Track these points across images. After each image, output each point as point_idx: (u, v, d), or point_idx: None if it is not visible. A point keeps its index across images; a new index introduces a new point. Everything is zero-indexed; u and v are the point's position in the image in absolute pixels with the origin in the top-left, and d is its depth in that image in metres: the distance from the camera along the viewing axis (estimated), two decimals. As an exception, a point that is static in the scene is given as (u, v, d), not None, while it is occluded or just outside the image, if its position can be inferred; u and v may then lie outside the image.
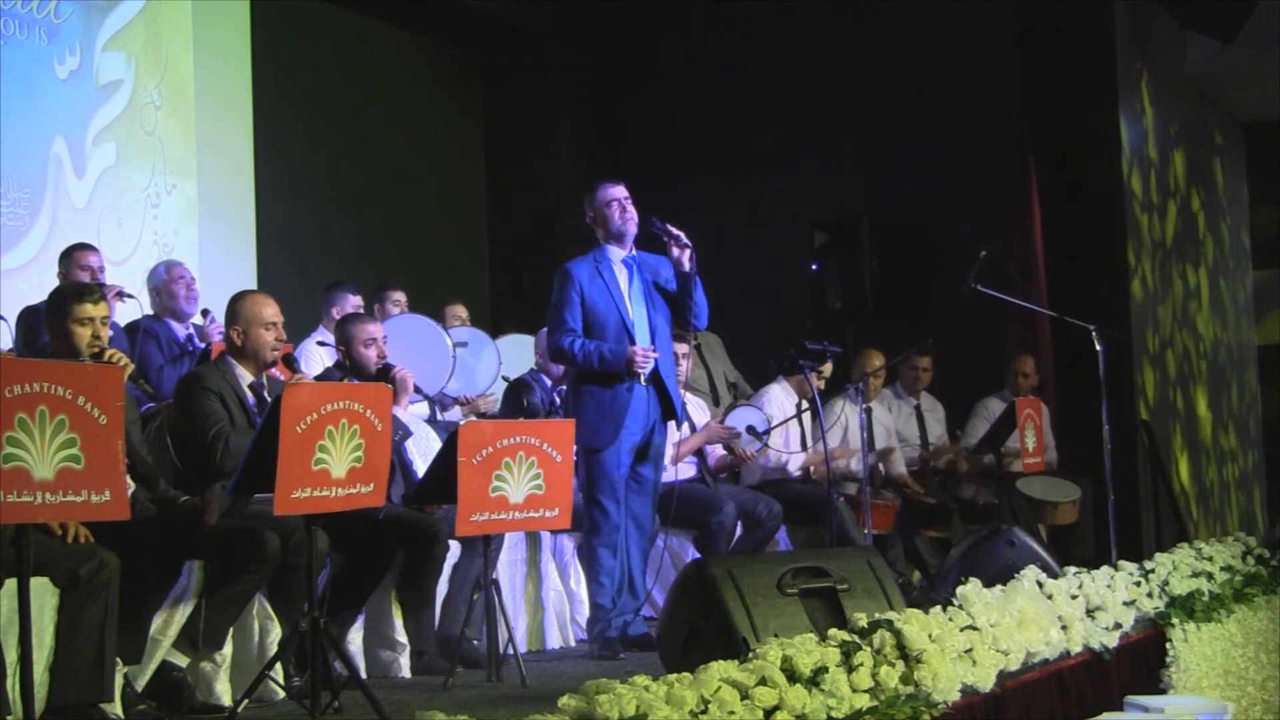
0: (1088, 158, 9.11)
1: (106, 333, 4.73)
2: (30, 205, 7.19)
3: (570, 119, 10.32)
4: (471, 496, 4.95)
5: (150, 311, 6.54)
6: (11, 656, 3.91)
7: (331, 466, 4.28)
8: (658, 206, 6.11)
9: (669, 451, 6.23)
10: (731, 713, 3.60)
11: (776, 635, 4.20)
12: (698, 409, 7.24)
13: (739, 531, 6.81)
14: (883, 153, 9.47)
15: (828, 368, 7.33)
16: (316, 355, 6.76)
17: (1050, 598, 5.24)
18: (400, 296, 7.40)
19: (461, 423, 5.41)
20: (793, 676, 3.84)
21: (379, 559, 5.27)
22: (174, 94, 7.94)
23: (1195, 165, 10.53)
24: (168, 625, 4.59)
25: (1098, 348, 6.95)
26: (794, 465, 7.41)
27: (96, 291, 4.80)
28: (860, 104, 9.56)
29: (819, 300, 9.33)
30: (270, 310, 5.13)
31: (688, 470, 6.88)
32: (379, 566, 5.27)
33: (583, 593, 6.27)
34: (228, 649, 4.71)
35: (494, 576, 5.25)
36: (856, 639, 4.17)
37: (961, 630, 4.50)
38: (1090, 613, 5.44)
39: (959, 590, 4.82)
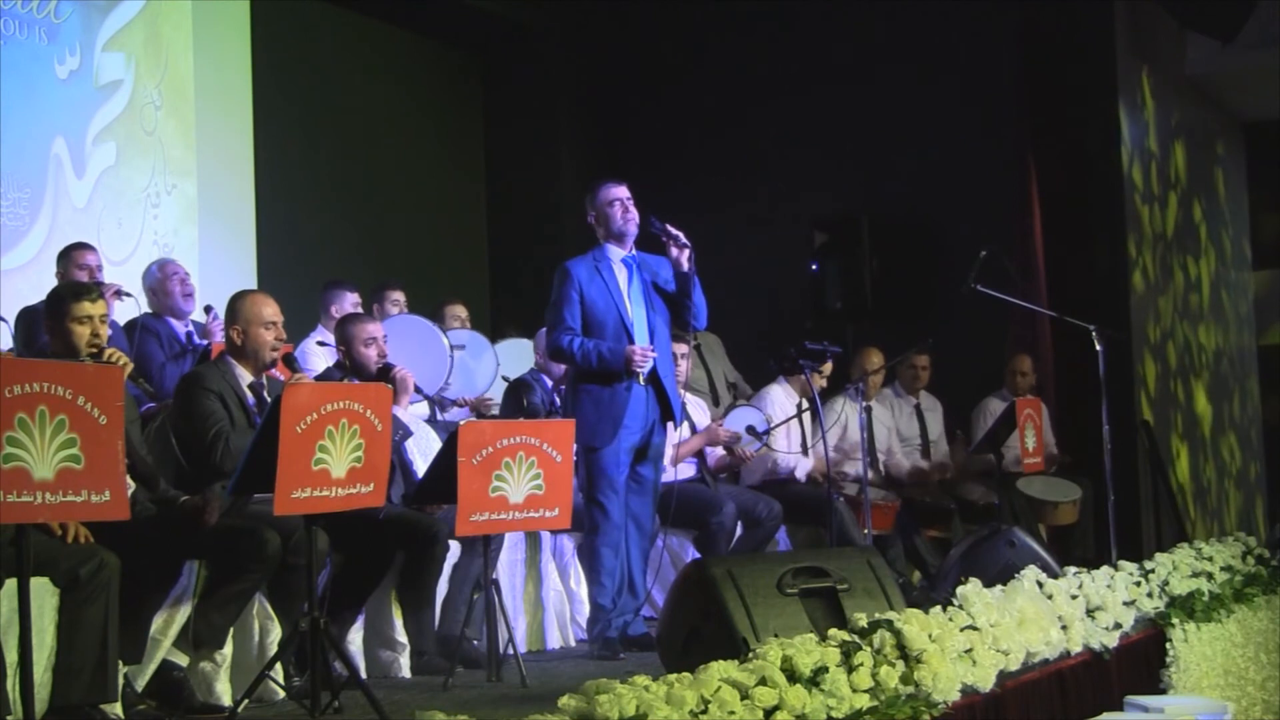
0: (1088, 152, 9.11)
1: (105, 331, 4.73)
2: (30, 205, 7.19)
3: (570, 119, 10.32)
4: (471, 496, 4.95)
5: (149, 310, 6.54)
6: (12, 656, 3.91)
7: (331, 466, 4.28)
8: (658, 206, 6.11)
9: (668, 452, 6.23)
10: (731, 713, 3.60)
11: (776, 635, 4.20)
12: (698, 409, 7.24)
13: (739, 531, 6.81)
14: (883, 153, 9.47)
15: (828, 368, 7.33)
16: (316, 355, 6.76)
17: (1050, 598, 5.24)
18: (399, 296, 7.40)
19: (461, 422, 5.41)
20: (793, 676, 3.84)
21: (379, 559, 5.27)
22: (174, 94, 7.94)
23: (1195, 162, 10.52)
24: (168, 625, 4.59)
25: (1098, 348, 6.95)
26: (801, 471, 7.40)
27: (95, 290, 4.79)
28: (860, 104, 9.56)
29: (819, 300, 9.33)
30: (270, 310, 5.13)
31: (688, 470, 6.88)
32: (379, 566, 5.27)
33: (583, 593, 6.27)
34: (228, 649, 4.71)
35: (494, 576, 5.25)
36: (856, 639, 4.17)
37: (961, 630, 4.51)
38: (1090, 613, 5.44)
39: (959, 590, 4.82)
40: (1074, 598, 5.39)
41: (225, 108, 8.24)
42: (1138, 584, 6.00)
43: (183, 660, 4.61)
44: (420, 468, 5.82)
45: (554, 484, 5.19)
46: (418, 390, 6.28)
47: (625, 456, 5.79)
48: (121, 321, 6.32)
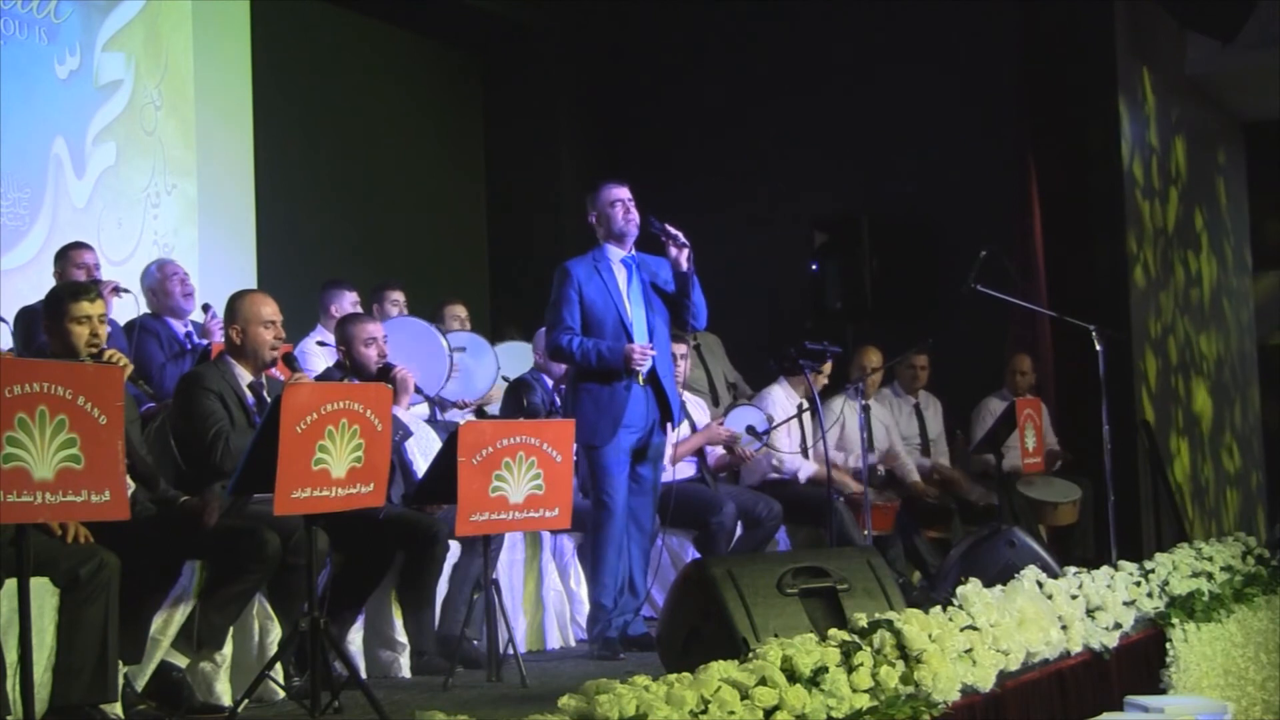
0: (1088, 149, 9.11)
1: (104, 330, 4.72)
2: (30, 205, 7.19)
3: (570, 119, 10.32)
4: (471, 496, 4.95)
5: (148, 310, 6.53)
6: (12, 656, 3.91)
7: (331, 466, 4.28)
8: (658, 206, 6.11)
9: (668, 452, 6.23)
10: (731, 713, 3.60)
11: (776, 635, 4.20)
12: (697, 409, 7.24)
13: (739, 531, 6.81)
14: (883, 153, 9.47)
15: (828, 368, 7.33)
16: (316, 355, 6.76)
17: (1050, 598, 5.24)
18: (399, 296, 7.40)
19: (461, 422, 5.41)
20: (793, 676, 3.84)
21: (379, 559, 5.26)
22: (174, 94, 7.94)
23: (1196, 160, 10.52)
24: (168, 625, 4.59)
25: (1098, 347, 6.95)
26: (804, 474, 7.40)
27: (93, 290, 4.79)
28: (860, 104, 9.56)
29: (819, 300, 9.33)
30: (269, 308, 5.13)
31: (687, 470, 6.89)
32: (379, 566, 5.27)
33: (583, 593, 6.27)
34: (228, 649, 4.71)
35: (494, 576, 5.25)
36: (856, 639, 4.17)
37: (961, 630, 4.51)
38: (1090, 613, 5.44)
39: (959, 590, 4.82)
40: (1074, 598, 5.39)
41: (225, 108, 8.24)
42: (1138, 584, 6.00)
43: (183, 660, 4.61)
44: (420, 468, 5.82)
45: (554, 484, 5.19)
46: (418, 390, 6.28)
47: (625, 455, 5.79)
48: (120, 319, 6.32)
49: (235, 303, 5.17)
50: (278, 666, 4.56)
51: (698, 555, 6.55)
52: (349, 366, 5.77)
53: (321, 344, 6.83)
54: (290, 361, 5.31)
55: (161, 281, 6.58)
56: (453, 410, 7.05)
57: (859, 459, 7.19)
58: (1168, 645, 5.89)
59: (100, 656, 4.08)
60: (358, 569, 5.19)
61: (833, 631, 4.25)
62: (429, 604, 5.46)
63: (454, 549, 5.64)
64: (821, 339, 7.27)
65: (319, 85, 9.15)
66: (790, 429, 7.40)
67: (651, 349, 5.78)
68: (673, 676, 3.73)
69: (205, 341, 6.33)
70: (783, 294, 9.54)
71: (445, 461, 5.12)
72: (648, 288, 5.89)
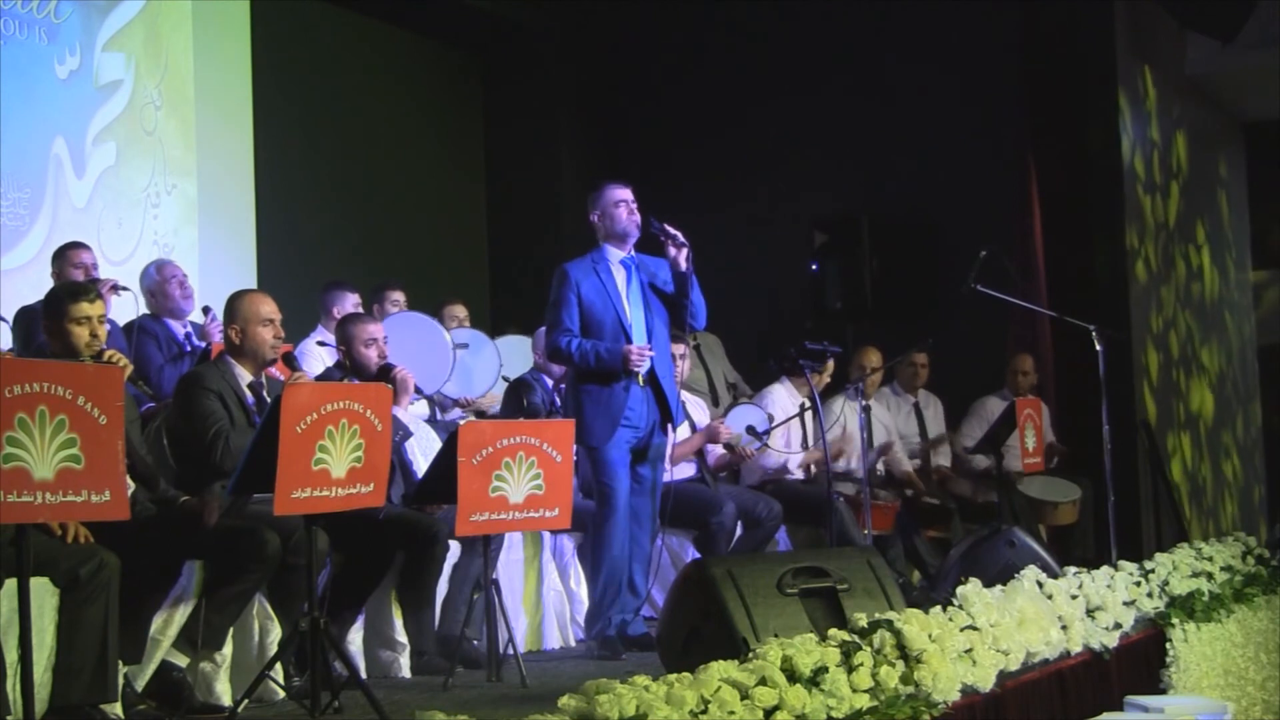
0: (1088, 147, 9.11)
1: (104, 330, 4.72)
2: (30, 205, 7.19)
3: (570, 119, 10.32)
4: (471, 496, 4.95)
5: (146, 312, 6.53)
6: (11, 656, 3.91)
7: (331, 466, 4.28)
8: (658, 206, 6.11)
9: (668, 452, 6.23)
10: (731, 713, 3.60)
11: (776, 635, 4.20)
12: (697, 409, 7.24)
13: (739, 531, 6.81)
14: (883, 153, 9.47)
15: (830, 367, 7.33)
16: (316, 355, 6.76)
17: (1050, 598, 5.24)
18: (399, 296, 7.40)
19: (461, 422, 5.40)
20: (793, 676, 3.84)
21: (379, 559, 5.26)
22: (174, 94, 7.94)
23: (1196, 159, 10.53)
24: (168, 625, 4.59)
25: (1098, 347, 6.95)
26: (794, 464, 7.40)
27: (92, 290, 4.78)
28: (860, 104, 9.56)
29: (819, 300, 9.33)
30: (268, 307, 5.13)
31: (687, 470, 6.89)
32: (379, 566, 5.27)
33: (583, 593, 6.27)
34: (228, 649, 4.71)
35: (494, 576, 5.25)
36: (856, 639, 4.17)
37: (961, 630, 4.51)
38: (1090, 613, 5.44)
39: (959, 590, 4.82)
40: (1074, 598, 5.39)
41: (225, 108, 8.24)
42: (1138, 584, 6.00)
43: (183, 660, 4.61)
44: (420, 468, 5.82)
45: (554, 484, 5.19)
46: (417, 390, 6.27)
47: (626, 453, 5.79)
48: (119, 319, 6.32)
49: (234, 302, 5.17)
50: (278, 666, 4.56)
51: (698, 555, 6.55)
52: (349, 366, 5.77)
53: (322, 344, 6.83)
54: (290, 361, 5.31)
55: (160, 283, 6.56)
56: (453, 410, 7.05)
57: (859, 458, 7.18)
58: (1168, 645, 5.89)
59: (100, 656, 4.08)
60: (358, 569, 5.19)
61: (833, 631, 4.25)
62: (429, 604, 5.46)
63: (454, 549, 5.64)
64: (821, 339, 7.27)
65: (319, 85, 9.15)
66: (789, 429, 7.40)
67: (649, 350, 5.78)
68: (673, 676, 3.73)
69: (204, 343, 6.32)
70: (783, 294, 9.54)
71: (445, 461, 5.12)
72: (647, 288, 5.89)
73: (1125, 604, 5.68)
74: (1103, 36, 9.08)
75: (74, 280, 5.79)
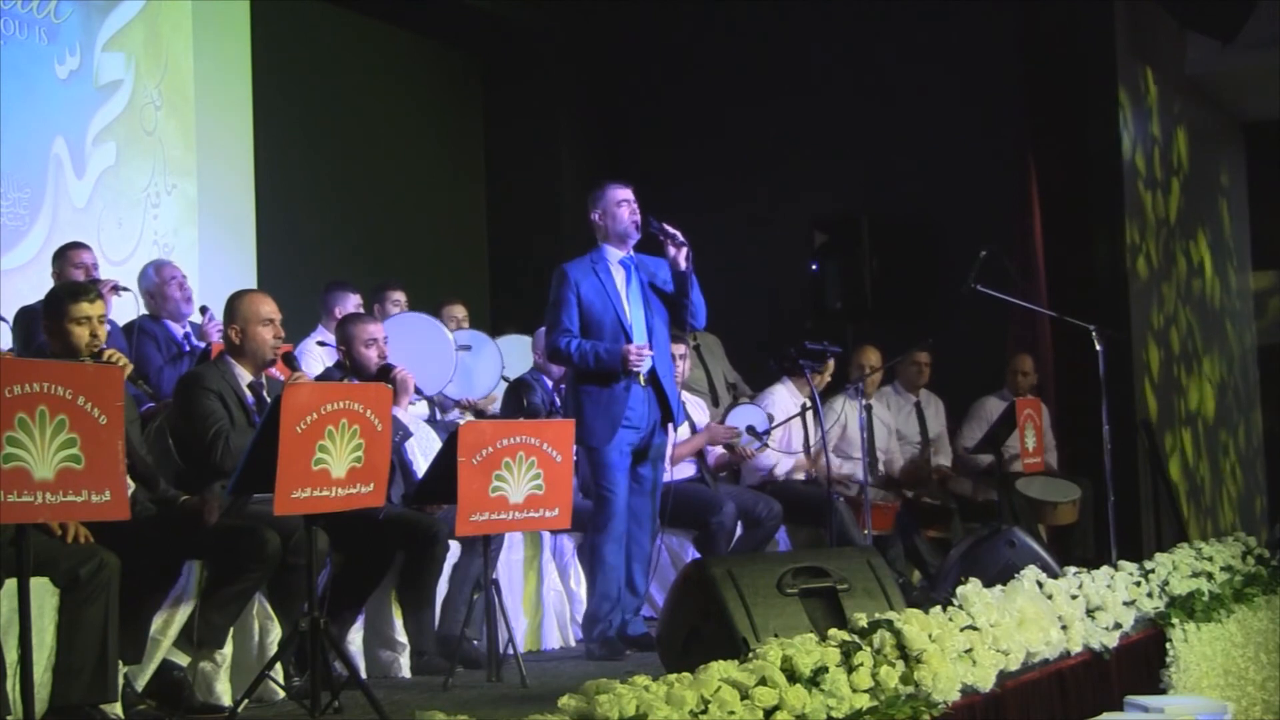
0: (1088, 146, 9.11)
1: (104, 330, 4.72)
2: (30, 205, 7.19)
3: (570, 119, 10.32)
4: (471, 496, 4.95)
5: (146, 312, 6.52)
6: (11, 656, 3.91)
7: (331, 466, 4.28)
8: (658, 206, 6.11)
9: (668, 452, 6.22)
10: (731, 713, 3.60)
11: (776, 635, 4.20)
12: (697, 409, 7.24)
13: (739, 531, 6.81)
14: (883, 153, 9.47)
15: (830, 367, 7.32)
16: (316, 355, 6.76)
17: (1050, 598, 5.24)
18: (400, 296, 7.40)
19: (461, 423, 5.41)
20: (793, 676, 3.84)
21: (379, 559, 5.26)
22: (174, 94, 7.94)
23: (1197, 158, 10.53)
24: (168, 625, 4.59)
25: (1098, 348, 6.95)
26: (781, 469, 7.39)
27: (92, 290, 4.78)
28: (860, 104, 9.56)
29: (819, 300, 9.34)
30: (268, 307, 5.13)
31: (687, 470, 6.89)
32: (379, 566, 5.27)
33: (583, 593, 6.26)
34: (228, 649, 4.71)
35: (494, 576, 5.25)
36: (856, 639, 4.17)
37: (961, 630, 4.51)
38: (1090, 613, 5.44)
39: (959, 590, 4.82)
40: (1074, 598, 5.39)
41: (225, 108, 8.24)
42: (1138, 584, 6.00)
43: (183, 660, 4.61)
44: (420, 468, 5.82)
45: (554, 484, 5.19)
46: (417, 391, 6.27)
47: (626, 454, 5.79)
48: (119, 319, 6.31)
49: (234, 302, 5.17)
50: (278, 666, 4.56)
51: (698, 555, 6.55)
52: (349, 366, 5.76)
53: (322, 344, 6.83)
54: (290, 361, 5.31)
55: (159, 284, 6.55)
56: (454, 410, 7.05)
57: (857, 459, 7.19)
58: (1168, 645, 5.89)
59: (100, 656, 4.08)
60: (358, 569, 5.19)
61: (833, 631, 4.24)
62: (429, 604, 5.46)
63: (454, 549, 5.64)
64: (821, 339, 7.27)
65: (319, 85, 9.15)
66: (789, 429, 7.40)
67: (649, 350, 5.78)
68: (673, 676, 3.73)
69: (203, 344, 6.32)
70: (783, 294, 9.54)
71: (445, 461, 5.12)
72: (646, 288, 5.89)
73: (1125, 604, 5.67)
74: (1103, 36, 9.09)
75: (74, 280, 5.78)
